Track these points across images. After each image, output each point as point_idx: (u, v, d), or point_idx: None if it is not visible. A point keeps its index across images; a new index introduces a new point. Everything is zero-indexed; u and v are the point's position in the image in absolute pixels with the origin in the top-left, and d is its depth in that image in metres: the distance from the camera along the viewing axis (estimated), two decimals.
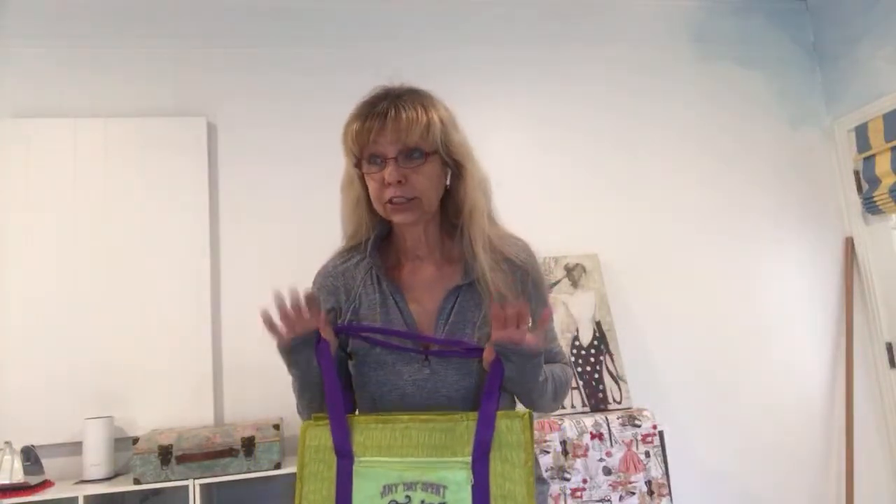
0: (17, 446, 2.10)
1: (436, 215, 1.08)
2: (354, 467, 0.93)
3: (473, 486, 0.90)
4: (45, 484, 2.10)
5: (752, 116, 3.06)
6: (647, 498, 2.32)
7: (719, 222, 2.93)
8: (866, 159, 2.95)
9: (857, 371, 2.90)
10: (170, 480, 2.06)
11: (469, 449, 0.93)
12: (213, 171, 2.58)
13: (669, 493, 2.34)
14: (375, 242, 1.10)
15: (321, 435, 0.97)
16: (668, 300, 2.82)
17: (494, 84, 2.87)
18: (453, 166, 1.06)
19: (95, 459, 2.15)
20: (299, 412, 1.09)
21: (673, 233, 2.88)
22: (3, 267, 2.37)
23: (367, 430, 0.96)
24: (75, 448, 2.24)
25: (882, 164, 2.86)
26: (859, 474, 2.82)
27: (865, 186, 2.96)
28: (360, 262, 1.11)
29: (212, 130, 2.61)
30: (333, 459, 0.95)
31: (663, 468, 2.36)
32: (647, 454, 2.36)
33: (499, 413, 0.95)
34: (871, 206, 2.91)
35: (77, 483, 2.13)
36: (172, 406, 2.37)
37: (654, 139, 2.95)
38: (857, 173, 3.00)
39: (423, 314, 1.05)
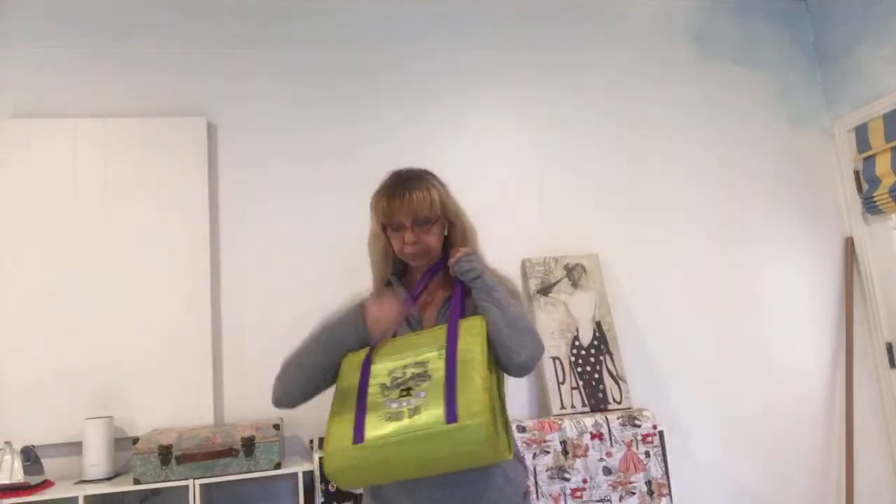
0: (17, 446, 2.11)
1: (439, 259, 1.52)
2: (372, 363, 1.36)
3: (446, 355, 1.28)
4: (45, 484, 2.10)
5: (752, 116, 3.06)
6: (647, 498, 2.32)
7: (719, 222, 2.93)
8: (866, 159, 2.95)
9: (857, 371, 2.90)
10: (170, 480, 2.06)
11: (442, 342, 1.33)
12: (213, 171, 2.58)
13: (669, 493, 2.34)
14: (398, 277, 1.55)
15: (353, 359, 1.41)
16: (668, 300, 2.82)
17: (495, 85, 2.87)
18: (448, 222, 1.51)
19: (95, 459, 2.15)
20: (280, 394, 1.40)
21: (673, 233, 2.88)
22: (2, 267, 2.37)
23: (380, 352, 1.39)
24: (75, 448, 2.24)
25: (882, 164, 2.86)
26: (859, 474, 2.82)
27: (865, 186, 2.96)
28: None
29: (212, 130, 2.61)
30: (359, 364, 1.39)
31: (663, 468, 2.36)
32: (647, 454, 2.36)
33: (464, 319, 1.37)
34: (871, 206, 2.91)
35: (77, 483, 2.13)
36: (172, 406, 2.37)
37: (654, 139, 2.95)
38: (857, 173, 3.00)
39: (427, 319, 1.50)
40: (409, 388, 1.26)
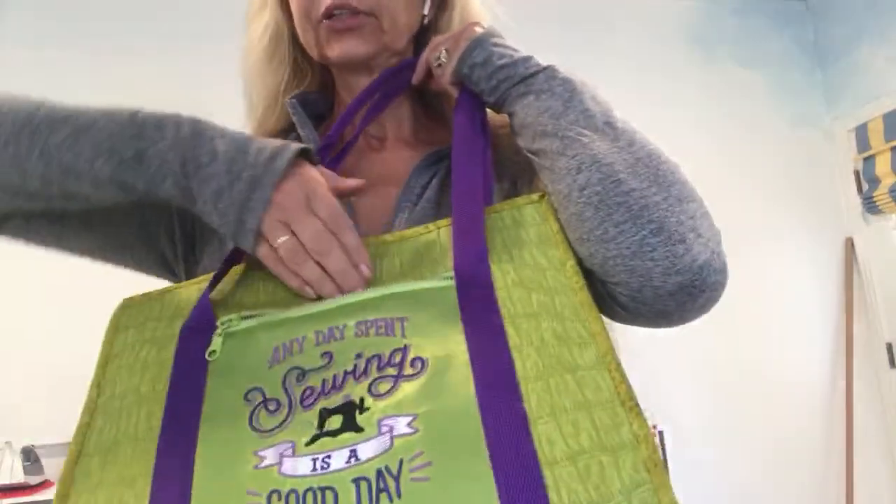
0: (17, 446, 2.11)
1: (405, 43, 0.69)
2: (216, 336, 0.50)
3: (462, 298, 0.48)
4: (45, 484, 2.10)
5: (752, 116, 3.06)
6: None
7: (719, 222, 2.90)
8: (866, 159, 2.95)
9: (857, 371, 2.90)
10: None
11: (448, 262, 0.52)
12: None
13: None
14: (305, 108, 0.68)
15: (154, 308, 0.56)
16: None
17: None
18: None
19: None
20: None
21: None
22: (2, 266, 2.37)
23: (255, 283, 0.55)
24: None
25: (882, 164, 2.86)
26: (859, 474, 2.82)
27: (865, 186, 2.96)
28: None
29: None
30: (173, 331, 0.53)
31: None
32: None
33: (492, 208, 0.55)
34: (871, 206, 2.91)
35: None
36: None
37: (653, 139, 2.95)
38: (857, 173, 3.00)
39: (373, 211, 0.63)
40: (355, 408, 0.44)
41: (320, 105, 0.72)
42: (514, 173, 0.66)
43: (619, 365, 0.44)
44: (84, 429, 0.51)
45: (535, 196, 0.56)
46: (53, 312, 2.35)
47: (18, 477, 2.03)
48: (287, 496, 0.40)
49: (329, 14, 0.62)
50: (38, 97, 0.57)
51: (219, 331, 0.51)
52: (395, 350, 0.46)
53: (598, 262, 0.52)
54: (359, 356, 0.46)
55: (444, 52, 0.62)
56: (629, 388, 0.43)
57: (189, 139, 0.54)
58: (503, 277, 0.49)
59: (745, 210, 2.97)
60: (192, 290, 0.56)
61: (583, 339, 0.46)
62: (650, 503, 0.39)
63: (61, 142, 0.53)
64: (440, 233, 0.54)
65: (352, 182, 0.57)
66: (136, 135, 0.54)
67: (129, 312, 0.57)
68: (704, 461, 2.71)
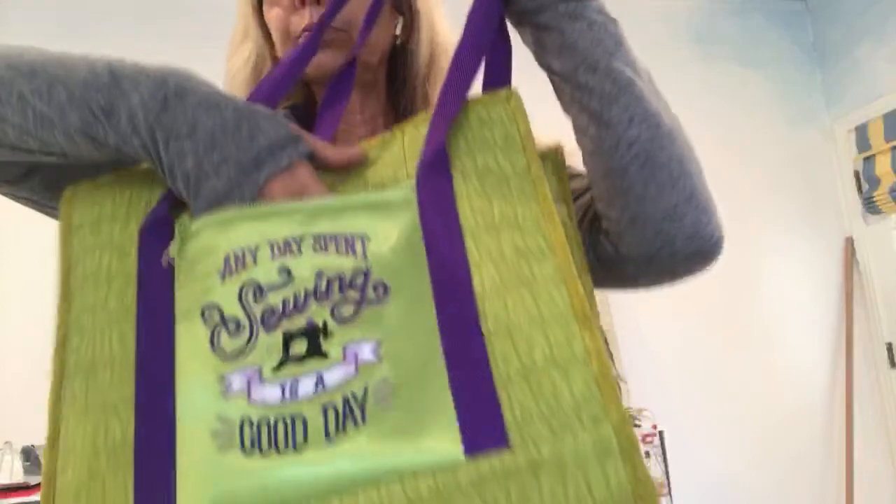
0: (17, 446, 2.10)
1: (378, 83, 0.71)
2: (174, 243, 0.47)
3: (423, 211, 0.47)
4: None
5: (752, 116, 3.06)
6: None
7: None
8: (866, 159, 2.95)
9: (857, 371, 2.90)
10: None
11: (412, 166, 0.50)
12: None
13: (669, 493, 2.35)
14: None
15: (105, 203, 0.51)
16: (668, 300, 2.81)
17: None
18: (407, 10, 0.70)
19: None
20: None
21: None
22: (2, 266, 2.37)
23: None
24: None
25: (882, 164, 2.86)
26: (859, 474, 2.82)
27: (865, 186, 2.96)
28: None
29: None
30: (131, 235, 0.50)
31: (663, 468, 2.36)
32: (647, 454, 2.36)
33: (464, 103, 0.52)
34: (871, 206, 2.91)
35: None
36: None
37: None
38: (857, 173, 3.00)
39: None
40: (319, 332, 0.43)
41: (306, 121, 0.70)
42: None
43: (575, 278, 0.44)
44: (61, 346, 0.48)
45: (502, 92, 0.54)
46: (54, 313, 2.35)
47: (18, 477, 2.03)
48: (258, 425, 0.40)
49: (306, 31, 0.63)
50: (24, 45, 0.53)
51: (175, 234, 0.47)
52: (357, 272, 0.45)
53: (629, 215, 0.52)
54: (319, 275, 0.45)
55: None
56: (584, 300, 0.43)
57: (168, 100, 0.48)
58: (465, 185, 0.48)
59: (745, 210, 2.96)
60: (141, 178, 0.51)
61: (542, 251, 0.45)
62: (600, 417, 0.39)
63: (37, 88, 0.49)
64: (404, 139, 0.52)
65: (353, 151, 0.52)
66: (109, 84, 0.49)
67: (80, 207, 0.51)
68: (704, 461, 2.71)
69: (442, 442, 0.40)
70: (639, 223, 0.52)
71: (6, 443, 2.09)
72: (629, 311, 2.78)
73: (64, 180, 0.53)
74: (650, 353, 2.77)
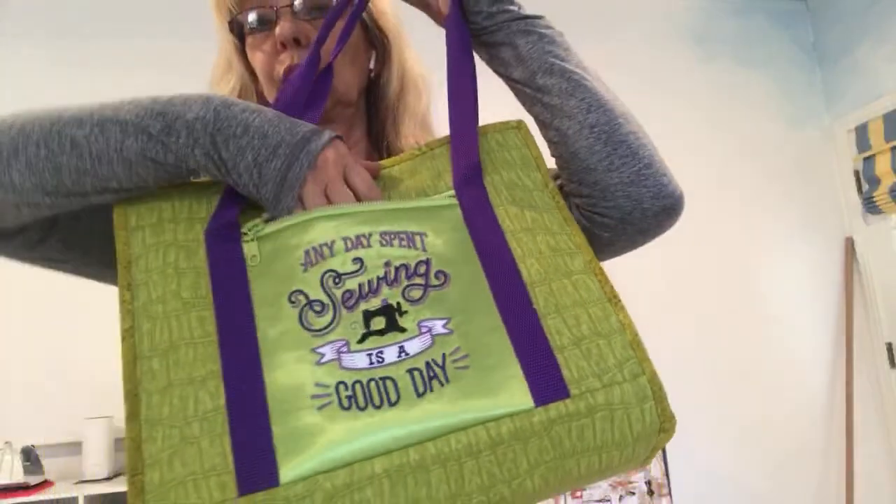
0: (17, 446, 2.11)
1: (359, 113, 0.78)
2: (248, 241, 0.54)
3: (466, 214, 0.56)
4: (45, 484, 2.10)
5: (752, 116, 3.06)
6: (647, 498, 2.32)
7: (719, 222, 2.93)
8: (866, 159, 2.95)
9: (857, 371, 2.90)
10: None
11: (448, 179, 0.59)
12: None
13: (669, 493, 2.35)
14: None
15: (165, 207, 0.56)
16: (668, 299, 2.82)
17: (495, 84, 2.87)
18: (379, 44, 0.77)
19: (95, 459, 2.15)
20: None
21: (672, 232, 2.88)
22: (3, 270, 2.37)
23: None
24: (75, 448, 2.24)
25: (882, 164, 2.86)
26: (859, 474, 2.82)
27: (865, 186, 2.96)
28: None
29: None
30: (196, 236, 0.55)
31: (663, 468, 2.36)
32: None
33: (480, 129, 0.63)
34: (871, 206, 2.91)
35: (77, 483, 2.13)
36: None
37: (653, 139, 2.95)
38: (857, 173, 3.00)
39: None
40: (394, 311, 0.51)
41: None
42: None
43: (602, 269, 0.57)
44: (130, 332, 0.52)
45: (512, 122, 0.66)
46: (54, 314, 2.35)
47: (18, 477, 2.03)
48: (353, 386, 0.47)
49: (288, 73, 0.69)
50: (60, 105, 0.58)
51: (250, 235, 0.54)
52: (420, 262, 0.54)
53: (600, 187, 0.61)
54: (387, 264, 0.53)
55: None
56: (612, 287, 0.56)
57: (218, 111, 0.55)
58: (497, 196, 0.59)
59: (745, 210, 2.97)
60: (196, 190, 0.57)
61: (571, 249, 0.57)
62: (636, 371, 0.53)
63: (90, 132, 0.54)
64: (434, 152, 0.62)
65: (374, 164, 0.61)
66: (162, 111, 0.54)
67: (137, 211, 0.56)
68: (704, 461, 2.71)
69: (515, 396, 0.49)
70: (609, 192, 0.61)
71: (6, 443, 2.09)
72: (628, 310, 2.78)
73: (78, 237, 0.61)
74: (650, 352, 2.76)
